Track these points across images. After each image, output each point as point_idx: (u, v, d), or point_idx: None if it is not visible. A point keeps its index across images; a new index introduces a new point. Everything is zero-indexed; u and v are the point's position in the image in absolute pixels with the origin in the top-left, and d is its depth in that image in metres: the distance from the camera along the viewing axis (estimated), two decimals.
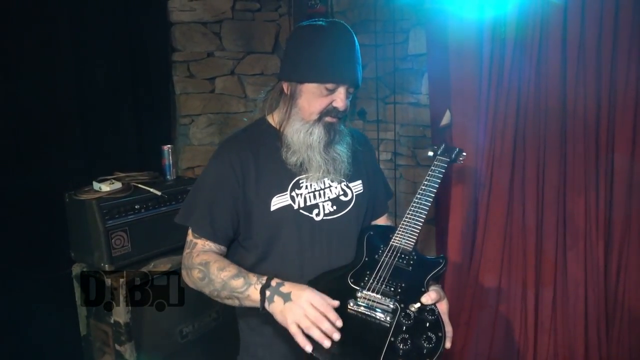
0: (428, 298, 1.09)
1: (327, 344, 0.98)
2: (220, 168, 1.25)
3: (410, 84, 2.77)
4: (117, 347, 1.97)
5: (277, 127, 1.28)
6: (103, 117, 2.34)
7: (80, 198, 1.95)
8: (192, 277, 1.23)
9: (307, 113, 1.23)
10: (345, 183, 1.33)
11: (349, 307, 1.08)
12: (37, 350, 2.06)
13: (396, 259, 1.21)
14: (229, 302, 1.18)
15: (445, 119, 2.44)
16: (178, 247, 2.12)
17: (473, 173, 2.31)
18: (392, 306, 1.07)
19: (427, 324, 1.04)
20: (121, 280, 1.93)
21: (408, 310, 1.06)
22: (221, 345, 2.19)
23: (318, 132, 1.23)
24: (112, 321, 1.96)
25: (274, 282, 1.11)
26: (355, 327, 1.04)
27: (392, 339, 1.01)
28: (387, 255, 1.23)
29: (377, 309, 1.07)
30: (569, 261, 2.09)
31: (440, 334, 1.02)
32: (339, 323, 1.02)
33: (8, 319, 1.98)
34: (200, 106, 2.89)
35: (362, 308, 1.07)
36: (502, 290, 2.28)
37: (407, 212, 1.34)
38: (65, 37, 2.15)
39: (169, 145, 2.25)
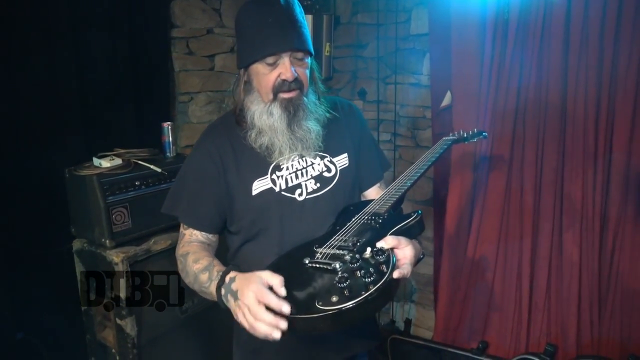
0: (383, 242, 1.04)
1: (276, 335, 0.94)
2: (200, 159, 1.29)
3: (412, 64, 2.75)
4: (118, 321, 1.99)
5: (246, 113, 1.27)
6: (102, 93, 2.32)
7: (81, 174, 1.95)
8: (178, 269, 1.25)
9: (263, 94, 1.22)
10: (328, 158, 1.30)
11: (306, 263, 1.06)
12: (37, 326, 2.08)
13: (364, 219, 1.18)
14: (205, 297, 1.15)
15: (446, 100, 2.44)
16: (178, 225, 2.12)
17: (472, 153, 2.32)
18: (347, 257, 1.04)
19: (374, 262, 1.01)
20: (122, 255, 1.94)
21: (358, 255, 1.04)
22: (221, 321, 2.22)
23: (277, 111, 1.20)
24: (112, 296, 1.99)
25: (227, 279, 1.05)
26: (305, 279, 1.03)
27: (336, 279, 0.98)
28: (357, 218, 1.19)
29: (331, 261, 1.04)
30: (564, 242, 2.12)
31: (385, 270, 0.98)
32: (286, 309, 0.94)
33: (9, 294, 2.00)
34: (200, 84, 2.85)
35: (317, 264, 1.05)
36: (498, 270, 2.31)
37: (393, 183, 1.30)
38: (63, 13, 2.12)
39: (169, 123, 2.24)
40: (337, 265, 1.01)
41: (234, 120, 1.30)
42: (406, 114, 2.84)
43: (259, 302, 0.95)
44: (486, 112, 2.25)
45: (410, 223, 1.15)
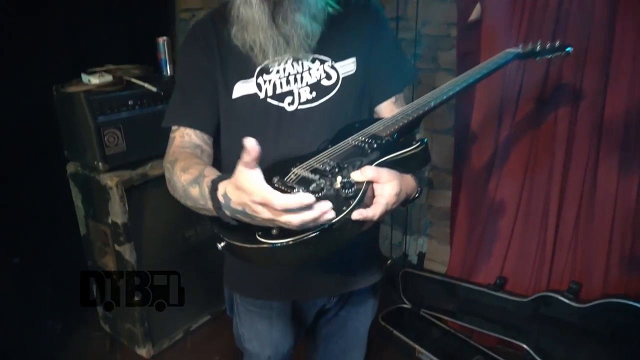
0: (359, 173, 0.85)
1: (329, 216, 0.74)
2: (190, 52, 1.13)
3: None
4: (117, 247, 1.92)
5: (232, 5, 1.05)
6: (92, 4, 2.12)
7: (68, 91, 1.80)
8: (166, 181, 1.04)
9: None
10: (329, 63, 1.09)
11: (273, 183, 0.87)
12: (38, 251, 2.03)
13: (358, 140, 0.97)
14: (202, 213, 0.94)
15: (475, 13, 2.15)
16: None
17: (502, 74, 2.07)
18: (314, 184, 0.85)
19: (344, 196, 0.83)
20: (116, 179, 1.83)
21: (328, 183, 0.85)
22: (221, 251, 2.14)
23: (256, 1, 1.00)
24: (109, 222, 1.90)
25: (221, 198, 0.84)
26: None
27: None
28: (352, 138, 0.99)
29: (297, 185, 0.85)
30: (600, 172, 1.91)
31: (344, 208, 0.79)
32: (307, 199, 0.72)
33: (8, 219, 1.93)
34: (201, 0, 2.62)
35: (283, 185, 0.86)
36: (522, 204, 2.14)
37: (414, 101, 1.06)
38: None
39: (164, 37, 2.04)
40: (300, 192, 0.81)
41: (222, 15, 1.10)
42: (428, 32, 2.56)
43: (276, 210, 0.74)
44: (520, 25, 1.97)
45: (410, 152, 0.93)
